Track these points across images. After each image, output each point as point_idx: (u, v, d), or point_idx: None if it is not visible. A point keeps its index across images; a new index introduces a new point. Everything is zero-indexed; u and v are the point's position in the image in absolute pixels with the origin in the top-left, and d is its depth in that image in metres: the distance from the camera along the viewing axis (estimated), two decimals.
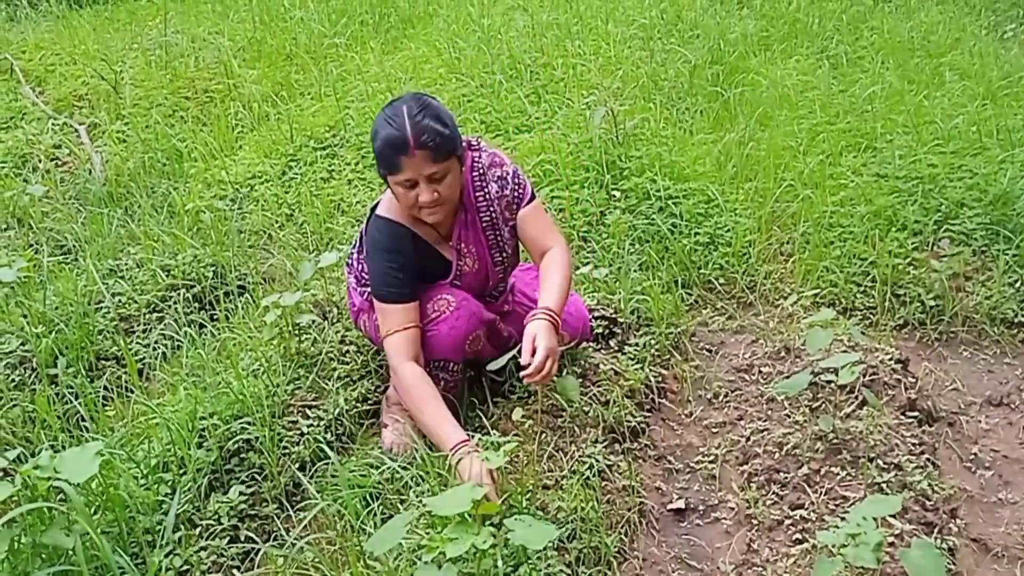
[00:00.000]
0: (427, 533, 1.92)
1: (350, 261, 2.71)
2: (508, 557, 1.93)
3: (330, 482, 2.33)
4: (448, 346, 2.45)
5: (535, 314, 2.33)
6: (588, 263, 3.48)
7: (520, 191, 2.56)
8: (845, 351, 2.86)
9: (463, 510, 1.69)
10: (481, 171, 2.53)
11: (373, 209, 2.54)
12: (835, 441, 2.43)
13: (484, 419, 2.49)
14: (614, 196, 3.88)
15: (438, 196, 2.33)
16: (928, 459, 2.45)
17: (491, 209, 2.54)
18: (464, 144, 2.46)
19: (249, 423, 2.31)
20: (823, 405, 2.63)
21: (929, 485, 2.30)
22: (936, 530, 2.15)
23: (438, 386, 2.43)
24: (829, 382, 2.67)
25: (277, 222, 4.08)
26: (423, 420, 2.31)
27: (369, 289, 2.51)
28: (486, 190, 2.53)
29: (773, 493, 2.36)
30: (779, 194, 3.88)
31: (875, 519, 1.83)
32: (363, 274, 2.59)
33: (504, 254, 2.59)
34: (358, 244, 2.65)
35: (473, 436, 2.26)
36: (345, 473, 2.17)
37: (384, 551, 1.70)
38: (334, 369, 2.74)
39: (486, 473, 2.06)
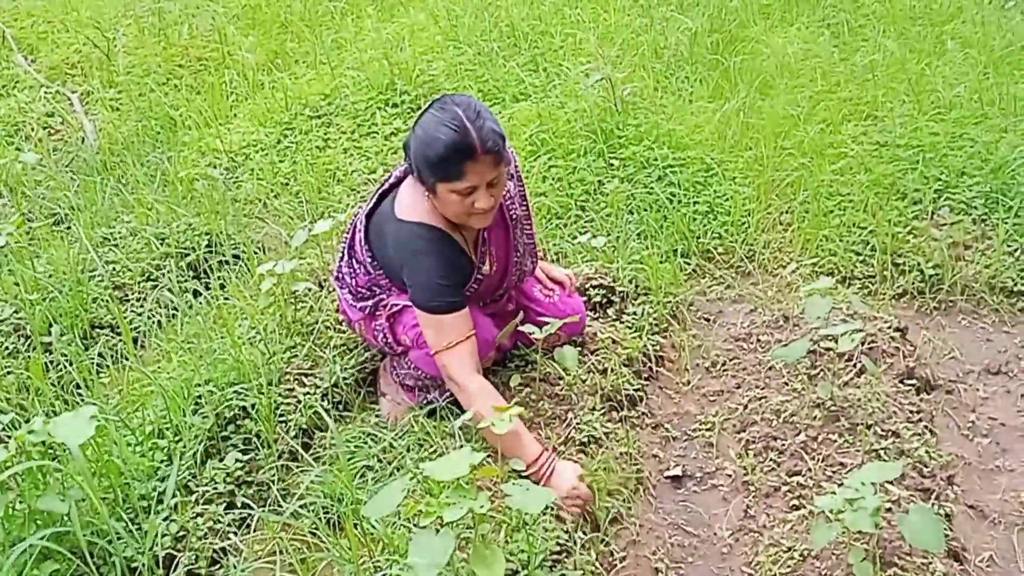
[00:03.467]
0: (424, 500, 1.90)
1: (339, 275, 2.56)
2: (505, 523, 1.93)
3: (327, 451, 2.32)
4: None
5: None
6: (586, 232, 3.46)
7: (522, 185, 2.50)
8: (844, 319, 2.84)
9: (461, 475, 1.68)
10: None
11: (368, 216, 2.43)
12: (833, 408, 2.43)
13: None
14: (612, 165, 3.85)
15: (494, 201, 2.24)
16: (926, 427, 2.45)
17: (511, 205, 2.46)
18: None
19: (245, 390, 2.29)
20: (821, 373, 2.62)
21: (927, 452, 2.30)
22: (933, 496, 2.15)
23: (443, 396, 2.43)
24: (828, 350, 2.67)
25: (272, 191, 4.04)
26: (499, 438, 2.09)
27: (373, 314, 2.44)
28: (507, 187, 2.41)
29: (770, 460, 2.36)
30: (779, 163, 3.85)
31: (874, 485, 1.83)
32: (360, 288, 2.48)
33: (518, 253, 2.51)
34: (346, 257, 2.51)
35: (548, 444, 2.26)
36: (341, 439, 2.15)
37: (381, 516, 1.69)
38: (330, 338, 2.72)
39: (575, 478, 2.08)
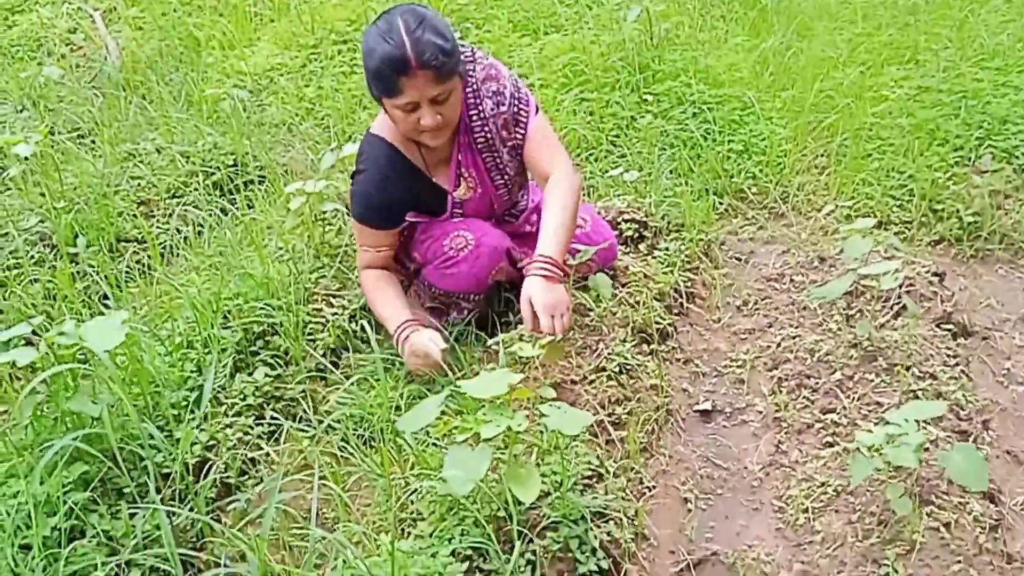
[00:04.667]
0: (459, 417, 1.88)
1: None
2: (536, 446, 1.90)
3: (355, 370, 2.30)
4: (471, 284, 2.37)
5: (528, 268, 2.16)
6: (618, 166, 3.39)
7: (521, 107, 2.34)
8: (881, 261, 2.79)
9: (499, 393, 1.65)
10: (475, 87, 2.30)
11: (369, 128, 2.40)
12: (870, 349, 2.38)
13: (513, 318, 2.45)
14: (646, 100, 3.76)
15: (441, 119, 2.15)
16: (962, 371, 2.40)
17: (486, 129, 2.33)
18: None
19: (274, 307, 2.26)
20: (858, 313, 2.57)
21: (963, 396, 2.25)
22: (971, 439, 2.11)
23: (460, 315, 2.40)
24: (864, 291, 2.61)
25: (297, 115, 3.97)
26: (376, 312, 2.33)
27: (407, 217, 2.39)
28: (480, 108, 2.30)
29: (803, 397, 2.32)
30: (817, 104, 3.74)
31: (916, 422, 1.79)
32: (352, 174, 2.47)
33: (506, 176, 2.42)
34: None
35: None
36: (379, 353, 2.10)
37: (416, 429, 1.67)
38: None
39: (431, 344, 2.13)
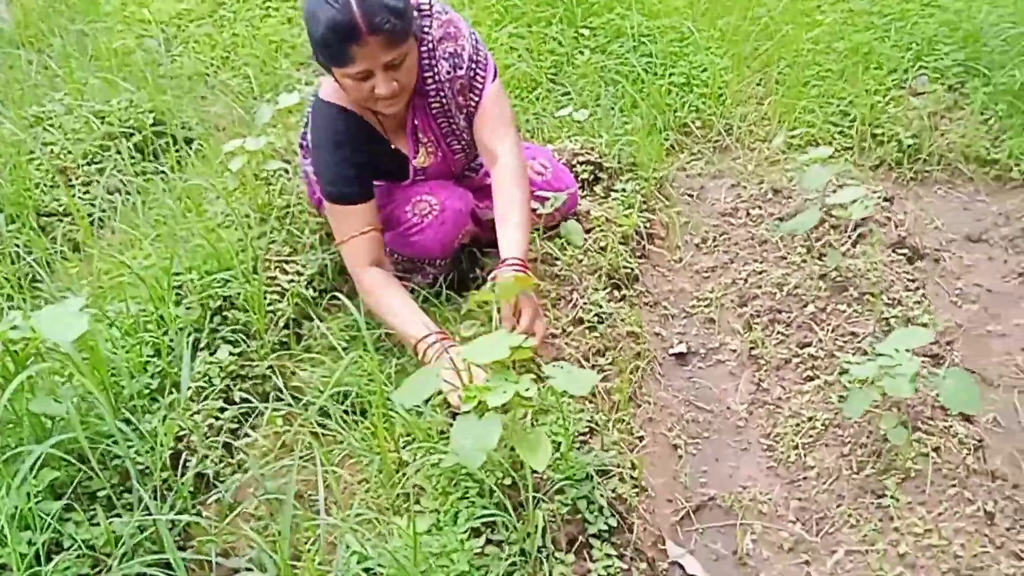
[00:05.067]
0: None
1: (303, 142, 2.36)
2: (530, 406, 1.84)
3: (319, 341, 2.18)
4: (437, 250, 2.25)
5: (501, 273, 1.99)
6: (564, 105, 3.29)
7: (478, 71, 2.17)
8: (835, 190, 2.80)
9: (501, 357, 1.57)
10: (430, 46, 2.12)
11: (316, 93, 2.20)
12: (838, 279, 2.39)
13: (480, 274, 2.36)
14: (583, 34, 3.66)
15: (397, 85, 1.98)
16: (923, 294, 2.44)
17: (441, 93, 2.17)
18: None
19: (228, 279, 2.11)
20: (819, 244, 2.58)
21: (930, 319, 2.29)
22: (944, 363, 2.16)
23: (426, 279, 2.28)
24: (824, 221, 2.62)
25: (213, 65, 3.71)
26: (391, 324, 2.07)
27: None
28: (435, 70, 2.13)
29: (778, 333, 2.32)
30: (753, 32, 3.71)
31: (908, 351, 1.80)
32: (310, 148, 2.28)
33: (463, 141, 2.28)
34: (309, 122, 2.29)
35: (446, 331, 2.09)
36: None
37: (413, 404, 1.58)
38: (306, 222, 2.53)
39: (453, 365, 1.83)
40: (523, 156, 2.21)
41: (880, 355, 1.81)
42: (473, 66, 2.17)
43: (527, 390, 1.51)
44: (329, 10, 1.84)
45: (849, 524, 1.79)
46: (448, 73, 2.15)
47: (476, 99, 2.19)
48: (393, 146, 2.20)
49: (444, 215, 2.19)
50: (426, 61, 2.12)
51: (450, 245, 2.25)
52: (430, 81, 2.15)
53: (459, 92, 2.18)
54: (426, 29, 2.10)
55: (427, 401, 1.77)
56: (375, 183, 2.19)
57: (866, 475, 1.86)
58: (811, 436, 2.00)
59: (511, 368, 1.57)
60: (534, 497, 1.61)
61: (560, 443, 1.75)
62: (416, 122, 2.19)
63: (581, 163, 2.88)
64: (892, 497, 1.79)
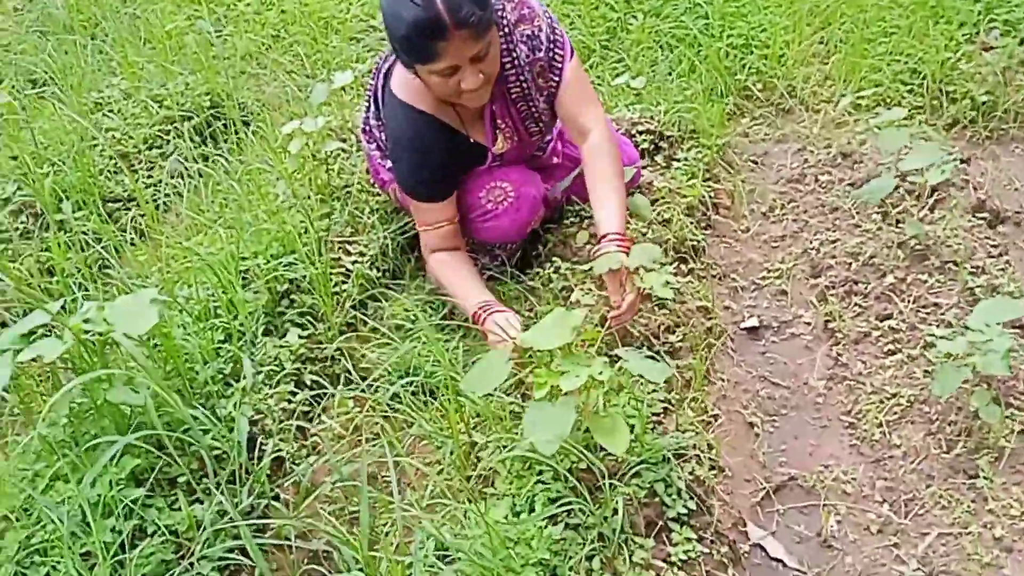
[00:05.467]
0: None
1: (366, 126, 2.33)
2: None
3: (385, 322, 2.16)
4: (511, 235, 2.24)
5: (604, 247, 1.95)
6: (619, 73, 3.21)
7: (556, 51, 2.10)
8: (908, 152, 2.69)
9: (566, 342, 1.53)
10: (507, 30, 2.05)
11: (387, 75, 2.15)
12: (918, 247, 2.30)
13: (542, 250, 2.32)
14: None
15: (483, 77, 1.92)
16: (1007, 261, 2.33)
17: (521, 78, 2.10)
18: None
19: (294, 262, 2.10)
20: (893, 211, 2.48)
21: (1016, 287, 2.19)
22: None
23: (495, 261, 2.26)
24: (897, 187, 2.51)
25: (263, 44, 3.69)
26: (454, 294, 2.12)
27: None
28: (514, 55, 2.07)
29: (855, 305, 2.24)
30: None
31: (999, 324, 1.72)
32: (388, 144, 2.25)
33: (541, 123, 2.22)
34: (373, 107, 2.27)
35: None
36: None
37: (485, 392, 1.54)
38: (367, 201, 2.50)
39: (511, 327, 1.89)
40: (611, 130, 2.17)
41: (969, 329, 1.72)
42: (551, 46, 2.10)
43: (600, 373, 1.47)
44: (412, 8, 1.77)
45: (940, 505, 1.73)
46: (527, 56, 2.08)
47: (556, 79, 2.13)
48: (472, 139, 2.15)
49: (519, 202, 2.16)
50: (504, 47, 2.05)
51: (524, 230, 2.23)
52: (509, 66, 2.08)
53: (539, 74, 2.12)
54: (501, 14, 2.04)
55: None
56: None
57: (956, 454, 1.79)
58: (896, 413, 1.93)
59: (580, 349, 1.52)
60: (611, 485, 1.58)
61: (634, 425, 1.70)
62: (495, 109, 2.13)
63: (640, 132, 2.81)
64: (985, 478, 1.72)
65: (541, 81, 2.14)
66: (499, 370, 1.56)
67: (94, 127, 2.72)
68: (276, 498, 1.70)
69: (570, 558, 1.50)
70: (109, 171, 2.61)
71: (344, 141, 2.72)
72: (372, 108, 2.28)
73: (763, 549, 1.73)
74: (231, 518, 1.56)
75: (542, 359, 1.61)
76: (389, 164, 2.28)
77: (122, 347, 1.56)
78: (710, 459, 1.81)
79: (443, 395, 1.75)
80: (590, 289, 2.08)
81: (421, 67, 1.90)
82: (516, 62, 2.08)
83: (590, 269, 1.89)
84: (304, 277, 2.09)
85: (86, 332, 1.56)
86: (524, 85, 2.12)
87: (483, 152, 2.19)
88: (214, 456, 1.63)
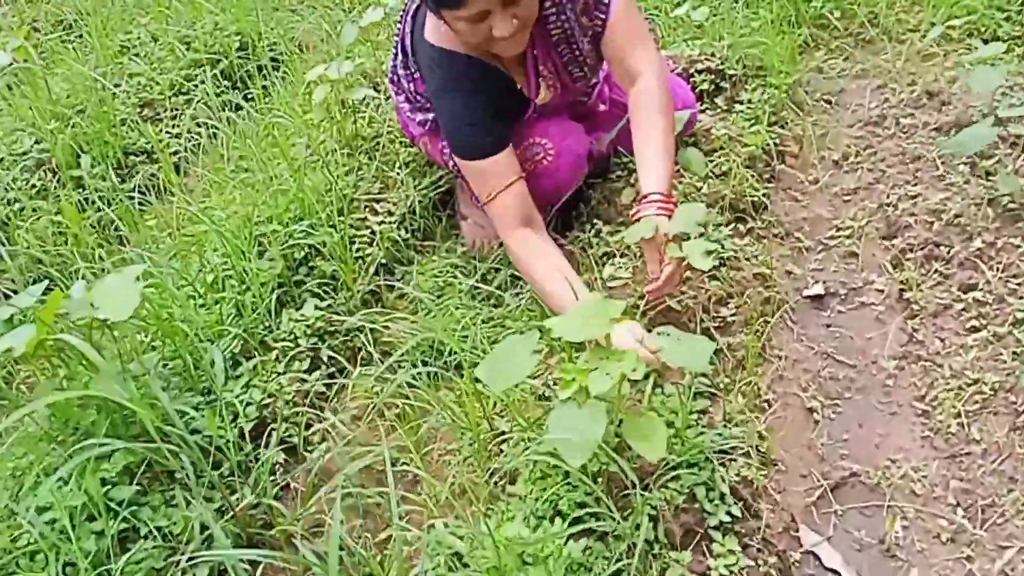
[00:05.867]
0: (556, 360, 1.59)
1: (393, 76, 2.12)
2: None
3: (413, 288, 2.01)
4: (551, 196, 2.01)
5: (644, 207, 1.74)
6: (682, 2, 2.92)
7: None
8: (1005, 93, 2.37)
9: (600, 333, 1.35)
10: None
11: (414, 17, 1.94)
12: (1011, 207, 2.02)
13: (584, 209, 2.12)
14: None
15: (517, 23, 1.70)
16: None
17: (563, 17, 1.88)
18: None
19: (314, 226, 1.95)
20: (983, 163, 2.18)
21: None
22: None
23: None
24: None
25: None
26: (543, 296, 1.80)
27: (437, 130, 1.98)
28: None
29: (935, 272, 1.99)
30: None
31: None
32: (418, 96, 2.04)
33: (585, 67, 1.99)
34: (400, 55, 2.05)
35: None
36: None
37: (505, 388, 1.38)
38: (397, 153, 2.33)
39: (634, 341, 1.55)
40: (666, 74, 1.91)
41: None
42: None
43: (634, 370, 1.29)
44: None
45: (1023, 515, 1.52)
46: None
47: (603, 17, 1.89)
48: (518, 85, 1.93)
49: (559, 160, 1.95)
50: None
51: (565, 191, 2.02)
52: (549, 5, 1.85)
53: (583, 12, 1.89)
54: None
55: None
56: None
57: None
58: (976, 402, 1.70)
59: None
60: (645, 485, 1.42)
61: (674, 421, 1.53)
62: (536, 53, 1.91)
63: (700, 71, 2.55)
64: None
65: (585, 19, 1.90)
66: (523, 361, 1.39)
67: (118, 72, 2.59)
68: (286, 488, 1.60)
69: (595, 571, 1.35)
70: (132, 121, 2.49)
71: (376, 88, 2.54)
72: (400, 56, 2.07)
73: (817, 558, 1.56)
74: (230, 518, 1.46)
75: (569, 351, 1.43)
76: (419, 117, 2.09)
77: (115, 331, 1.44)
78: (760, 452, 1.62)
79: (464, 381, 1.59)
80: (632, 257, 1.89)
81: (448, 12, 1.70)
82: (558, 1, 1.85)
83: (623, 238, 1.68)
84: (324, 243, 1.95)
85: (64, 317, 1.44)
86: (566, 25, 1.89)
87: (525, 101, 1.98)
88: (218, 447, 1.52)
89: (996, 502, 1.55)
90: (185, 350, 1.59)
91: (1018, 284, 1.88)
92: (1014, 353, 1.75)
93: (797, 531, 1.59)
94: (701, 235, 1.99)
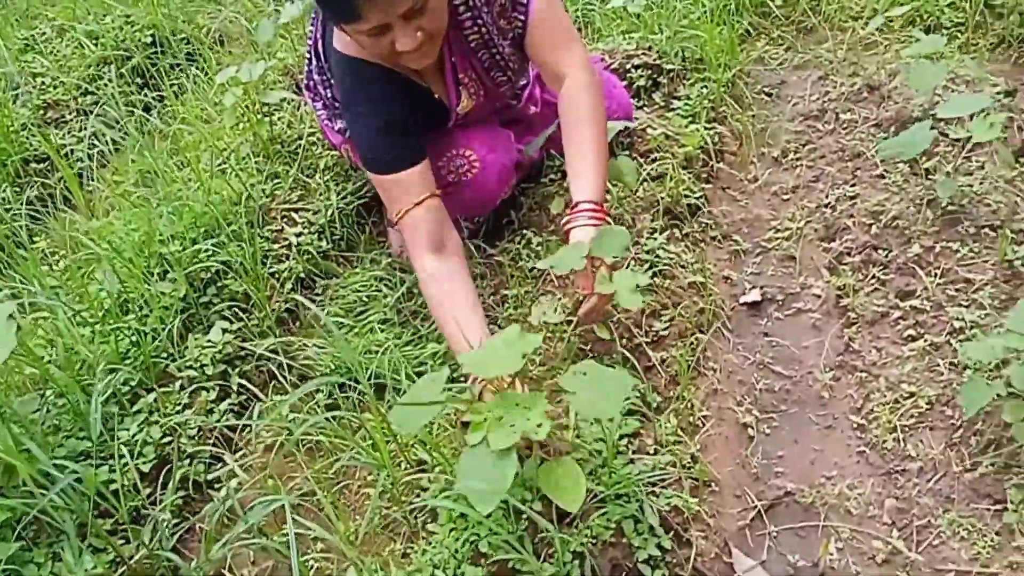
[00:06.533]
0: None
1: (309, 82, 1.99)
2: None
3: (334, 303, 1.91)
4: (476, 209, 1.92)
5: (574, 219, 1.64)
6: None
7: None
8: (946, 85, 2.33)
9: (513, 370, 1.26)
10: None
11: (324, 23, 1.81)
12: (950, 208, 1.97)
13: (515, 216, 2.02)
14: None
15: (423, 35, 1.58)
16: None
17: (479, 22, 1.77)
18: None
19: (221, 243, 1.83)
20: (923, 160, 2.13)
21: None
22: None
23: (461, 234, 1.91)
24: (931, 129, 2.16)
25: None
26: (446, 335, 1.67)
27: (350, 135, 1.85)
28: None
29: (872, 277, 1.94)
30: None
31: None
32: (335, 102, 1.91)
33: (509, 71, 1.87)
34: (315, 59, 1.92)
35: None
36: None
37: (413, 431, 1.29)
38: (319, 156, 2.21)
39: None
40: (595, 74, 1.79)
41: (1007, 331, 1.42)
42: None
43: (539, 426, 1.20)
44: None
45: (959, 536, 1.47)
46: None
47: (522, 18, 1.78)
48: (436, 95, 1.82)
49: (486, 172, 1.85)
50: None
51: (491, 204, 1.93)
52: (463, 10, 1.73)
53: (499, 15, 1.77)
54: None
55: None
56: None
57: (981, 473, 1.52)
58: (913, 416, 1.65)
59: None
60: (571, 519, 1.34)
61: (601, 449, 1.45)
62: (454, 61, 1.79)
63: (636, 67, 2.46)
64: (1014, 509, 1.45)
65: (503, 22, 1.79)
66: (430, 406, 1.30)
67: (21, 73, 2.43)
68: (192, 530, 1.49)
69: None
70: (32, 125, 2.33)
71: (298, 87, 2.41)
72: (314, 60, 1.95)
73: None
74: (127, 568, 1.36)
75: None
76: (339, 125, 1.97)
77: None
78: (693, 479, 1.56)
79: (377, 417, 1.49)
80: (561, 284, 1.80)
81: (347, 27, 1.57)
82: (471, 3, 1.73)
83: (548, 268, 1.57)
84: (235, 260, 1.83)
85: None
86: (484, 30, 1.77)
87: (445, 110, 1.87)
88: (113, 492, 1.41)
89: (932, 523, 1.50)
90: (74, 388, 1.47)
91: (956, 291, 1.83)
92: (951, 364, 1.70)
93: (730, 557, 1.53)
94: (635, 245, 1.91)
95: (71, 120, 2.41)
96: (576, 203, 1.67)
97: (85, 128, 2.35)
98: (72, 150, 2.26)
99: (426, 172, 1.72)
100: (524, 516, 1.38)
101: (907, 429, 1.64)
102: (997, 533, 1.45)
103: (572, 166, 1.72)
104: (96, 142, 2.24)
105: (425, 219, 1.69)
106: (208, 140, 2.06)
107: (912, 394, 1.68)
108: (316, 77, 1.95)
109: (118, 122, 2.27)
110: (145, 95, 2.46)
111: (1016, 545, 1.42)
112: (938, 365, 1.71)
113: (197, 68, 2.55)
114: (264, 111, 2.16)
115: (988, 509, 1.48)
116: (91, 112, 2.38)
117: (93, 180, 2.19)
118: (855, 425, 1.71)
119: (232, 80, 2.08)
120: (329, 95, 1.93)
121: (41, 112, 2.39)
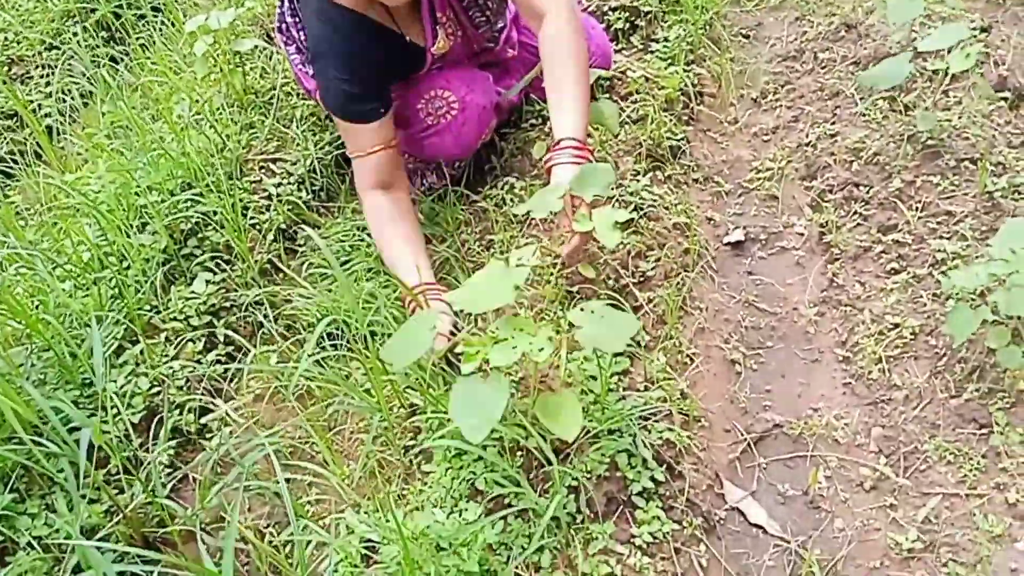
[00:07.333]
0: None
1: (281, 24, 1.96)
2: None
3: (316, 253, 1.89)
4: (456, 152, 1.90)
5: (556, 155, 1.63)
6: None
7: None
8: (923, 21, 2.33)
9: (504, 303, 1.26)
10: None
11: None
12: (930, 142, 1.98)
13: (497, 161, 2.00)
14: None
15: None
16: None
17: None
18: None
19: (201, 193, 1.80)
20: (902, 96, 2.14)
21: None
22: None
23: (441, 180, 1.91)
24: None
25: None
26: (386, 262, 1.75)
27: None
28: None
29: (854, 213, 1.95)
30: None
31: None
32: (308, 52, 1.88)
33: (487, 11, 1.86)
34: (288, 2, 1.89)
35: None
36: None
37: (404, 365, 1.29)
38: (295, 107, 2.18)
39: (442, 326, 1.54)
40: (576, 11, 1.77)
41: (990, 258, 1.44)
42: None
43: (541, 350, 1.21)
44: None
45: (945, 461, 1.50)
46: None
47: None
48: (408, 38, 1.79)
49: (465, 114, 1.83)
50: None
51: (472, 146, 1.91)
52: None
53: None
54: None
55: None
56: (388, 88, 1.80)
57: (966, 399, 1.55)
58: (897, 347, 1.68)
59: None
60: (565, 455, 1.35)
61: (593, 389, 1.46)
62: (428, 2, 1.77)
63: (614, 9, 2.43)
64: (999, 431, 1.48)
65: None
66: (420, 340, 1.30)
67: None
68: (185, 479, 1.49)
69: (513, 553, 1.29)
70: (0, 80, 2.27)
71: (269, 36, 2.36)
72: (287, 2, 1.91)
73: (742, 513, 1.53)
74: (123, 516, 1.35)
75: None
76: (311, 70, 1.94)
77: None
78: (683, 413, 1.57)
79: (371, 358, 1.49)
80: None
81: None
82: None
83: (527, 213, 1.56)
84: (214, 212, 1.80)
85: None
86: None
87: (421, 53, 1.84)
88: (106, 442, 1.40)
89: (918, 449, 1.53)
90: (59, 340, 1.45)
91: (937, 224, 1.85)
92: (934, 295, 1.72)
93: (721, 488, 1.55)
94: (618, 187, 1.91)
95: (37, 76, 2.34)
96: (558, 140, 1.65)
97: (52, 84, 2.29)
98: (40, 105, 2.20)
99: (387, 124, 1.75)
100: (520, 453, 1.39)
101: (892, 359, 1.67)
102: (983, 456, 1.48)
103: (554, 105, 1.70)
104: (64, 97, 2.18)
105: (377, 164, 1.74)
106: (181, 91, 2.01)
107: (896, 325, 1.70)
108: (289, 19, 1.91)
109: (85, 75, 2.20)
110: (112, 48, 2.39)
111: (1002, 466, 1.45)
112: (921, 296, 1.73)
113: (164, 19, 2.48)
114: (236, 61, 2.11)
115: (974, 433, 1.51)
116: (56, 67, 2.31)
117: (64, 135, 2.13)
118: (840, 358, 1.74)
119: (202, 28, 2.03)
120: (302, 38, 1.89)
121: (6, 68, 2.32)
